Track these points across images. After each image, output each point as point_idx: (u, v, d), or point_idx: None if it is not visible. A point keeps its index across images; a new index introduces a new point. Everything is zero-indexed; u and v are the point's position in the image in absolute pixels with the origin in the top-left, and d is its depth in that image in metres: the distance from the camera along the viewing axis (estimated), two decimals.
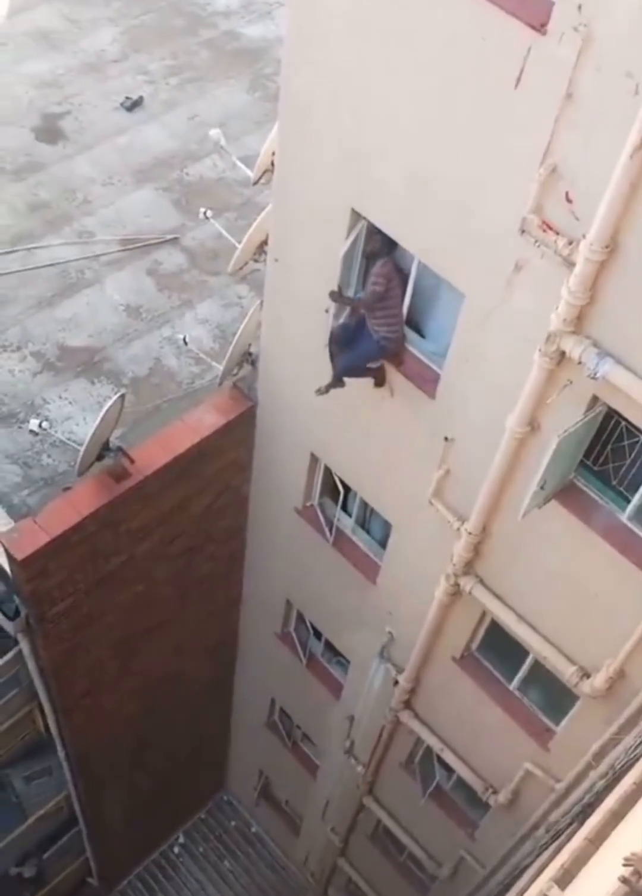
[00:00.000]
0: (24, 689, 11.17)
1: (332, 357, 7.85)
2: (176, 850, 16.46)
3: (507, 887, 9.28)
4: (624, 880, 4.74)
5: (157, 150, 12.16)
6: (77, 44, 13.25)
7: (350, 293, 7.83)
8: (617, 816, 6.21)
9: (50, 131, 12.27)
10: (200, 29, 13.75)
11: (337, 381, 7.90)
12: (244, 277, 10.61)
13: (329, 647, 11.65)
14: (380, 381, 7.80)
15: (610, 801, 6.54)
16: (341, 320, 7.83)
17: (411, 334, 7.66)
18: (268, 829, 16.56)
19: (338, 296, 7.59)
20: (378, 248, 7.14)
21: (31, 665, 10.42)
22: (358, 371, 7.76)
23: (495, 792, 9.61)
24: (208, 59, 13.32)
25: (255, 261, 9.10)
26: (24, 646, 10.09)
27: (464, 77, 5.72)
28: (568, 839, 7.25)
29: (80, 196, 11.70)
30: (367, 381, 7.83)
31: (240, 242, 9.08)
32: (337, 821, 13.29)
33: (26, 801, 13.25)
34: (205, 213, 9.60)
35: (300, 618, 11.77)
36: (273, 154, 7.95)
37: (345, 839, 13.44)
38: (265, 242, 8.68)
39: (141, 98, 12.51)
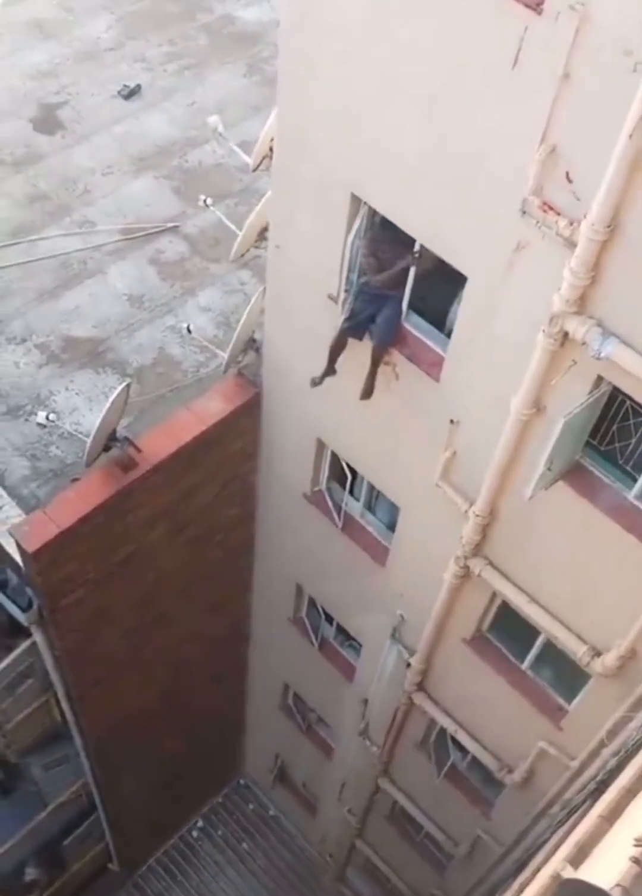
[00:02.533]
0: (39, 679, 11.24)
1: (352, 334, 7.75)
2: (195, 833, 16.60)
3: (524, 864, 9.34)
4: (635, 861, 4.77)
5: (156, 137, 12.09)
6: (72, 33, 13.16)
7: (354, 276, 7.79)
8: (631, 793, 6.25)
9: (48, 122, 12.22)
10: (197, 14, 13.64)
11: (329, 369, 7.89)
12: (246, 264, 10.57)
13: (341, 630, 11.69)
14: (367, 392, 7.82)
15: (624, 779, 6.58)
16: (358, 304, 7.73)
17: (415, 317, 7.63)
18: (285, 811, 16.69)
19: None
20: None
21: (46, 655, 10.48)
22: (393, 336, 7.67)
23: (510, 771, 9.65)
24: (205, 44, 13.22)
25: (257, 247, 9.07)
26: (38, 636, 10.15)
27: (461, 59, 5.66)
28: (583, 816, 7.29)
29: (79, 186, 11.66)
30: (368, 366, 7.79)
31: (240, 229, 9.05)
32: (353, 802, 13.38)
33: (45, 789, 13.38)
34: (205, 200, 9.56)
35: (311, 602, 11.80)
36: (271, 140, 7.91)
37: (362, 820, 13.54)
38: (266, 229, 8.64)
39: (138, 86, 12.43)
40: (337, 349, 7.90)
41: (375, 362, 7.74)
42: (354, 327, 7.71)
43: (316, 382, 8.06)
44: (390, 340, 7.63)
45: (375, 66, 6.22)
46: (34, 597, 9.52)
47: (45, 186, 11.64)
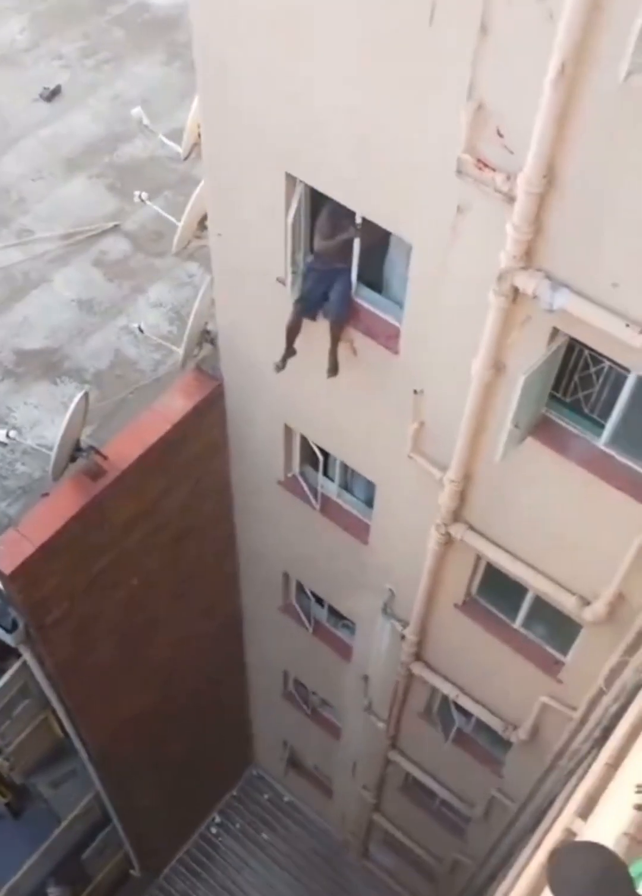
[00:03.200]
0: (35, 697, 11.18)
1: (306, 314, 7.62)
2: (213, 830, 16.63)
3: (541, 817, 9.37)
4: (639, 808, 4.75)
5: (83, 136, 11.80)
6: None
7: (300, 256, 7.63)
8: (631, 739, 6.25)
9: None
10: (108, 6, 13.28)
11: (289, 351, 7.76)
12: (191, 255, 10.36)
13: (333, 612, 11.63)
14: (333, 370, 7.70)
15: (625, 724, 6.59)
16: (308, 283, 7.59)
17: (367, 291, 7.49)
18: (300, 796, 16.72)
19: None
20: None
21: (38, 673, 10.40)
22: (348, 310, 7.55)
23: (515, 728, 9.66)
24: (121, 36, 12.90)
25: (198, 238, 8.88)
26: (28, 655, 10.06)
27: (378, 20, 5.48)
28: (590, 765, 7.30)
29: (12, 195, 11.39)
30: (326, 346, 7.66)
31: (180, 221, 8.86)
32: (366, 778, 13.40)
33: (56, 806, 13.34)
34: (140, 195, 9.35)
35: (300, 588, 11.73)
36: (199, 126, 7.70)
37: (378, 795, 13.57)
38: (206, 218, 8.46)
39: (58, 87, 12.11)
40: (293, 331, 7.78)
41: (335, 339, 7.62)
42: (307, 307, 7.59)
43: (279, 367, 7.92)
44: (345, 315, 7.51)
45: (291, 37, 6.03)
46: (18, 616, 9.40)
47: None
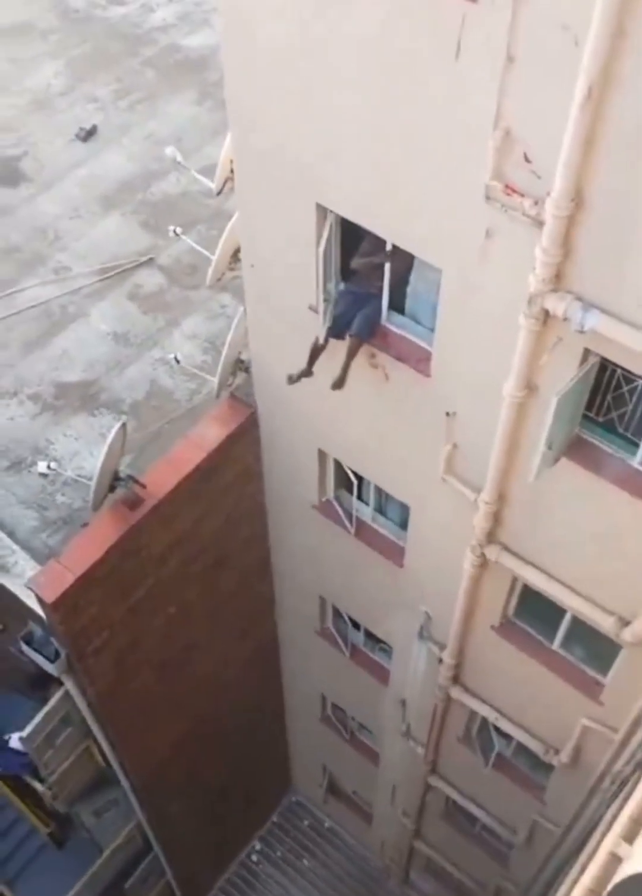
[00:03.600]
0: (76, 726, 11.25)
1: (335, 335, 7.76)
2: (254, 857, 16.56)
3: (585, 841, 9.28)
4: None
5: (118, 175, 12.12)
6: (22, 83, 13.21)
7: (331, 285, 7.78)
8: None
9: (10, 174, 12.27)
10: (140, 48, 13.69)
11: (308, 370, 7.87)
12: (224, 287, 10.57)
13: (369, 635, 11.64)
14: (339, 383, 7.80)
15: None
16: (340, 307, 7.73)
17: (398, 316, 7.61)
18: (340, 822, 16.63)
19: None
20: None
21: (80, 702, 10.48)
22: (371, 331, 7.69)
23: (556, 752, 9.58)
24: (153, 76, 13.27)
25: (232, 269, 9.06)
26: (70, 685, 10.16)
27: (405, 55, 5.63)
28: (633, 788, 7.24)
29: (50, 234, 11.70)
30: (358, 372, 7.77)
31: (214, 254, 9.05)
32: (406, 804, 13.32)
33: (98, 836, 13.37)
34: (174, 230, 9.57)
35: (336, 612, 11.77)
36: (232, 161, 7.90)
37: (418, 820, 13.48)
38: (239, 249, 8.64)
39: (94, 127, 12.48)
40: (317, 352, 7.90)
41: (351, 355, 7.72)
42: (337, 329, 7.71)
43: (292, 380, 8.04)
44: (366, 335, 7.60)
45: (320, 74, 6.20)
46: (60, 646, 9.53)
47: (17, 238, 11.69)
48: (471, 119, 5.46)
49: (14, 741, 11.36)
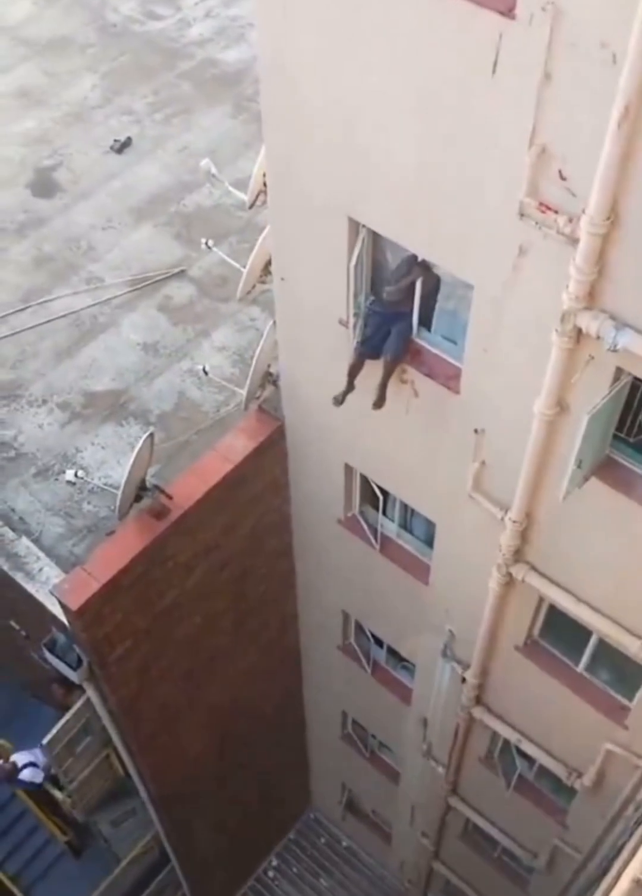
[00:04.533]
0: (97, 735, 11.26)
1: (368, 355, 7.76)
2: (270, 873, 16.47)
3: (607, 869, 9.13)
4: None
5: (152, 186, 12.24)
6: (59, 96, 13.39)
7: (362, 299, 7.78)
8: None
9: (45, 185, 12.43)
10: (177, 61, 13.83)
11: (349, 387, 7.86)
12: (254, 299, 10.62)
13: (392, 652, 11.57)
14: (379, 403, 7.80)
15: None
16: (370, 328, 7.73)
17: (428, 333, 7.59)
18: (358, 841, 16.50)
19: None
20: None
21: (101, 710, 10.50)
22: (405, 350, 7.69)
23: (579, 776, 9.45)
24: (189, 89, 13.39)
25: (262, 282, 9.10)
26: (91, 692, 10.18)
27: (441, 72, 5.63)
28: None
29: (83, 244, 11.82)
30: (389, 388, 7.76)
31: (245, 266, 9.09)
32: (426, 824, 13.19)
33: (116, 846, 13.38)
34: (206, 243, 9.63)
35: (359, 628, 11.71)
36: (264, 175, 7.94)
37: (437, 841, 13.34)
38: (270, 263, 8.67)
39: (129, 139, 12.61)
40: (355, 369, 7.89)
41: (387, 374, 7.71)
42: (369, 349, 7.70)
43: (338, 401, 8.01)
44: (401, 355, 7.60)
45: (354, 90, 6.22)
46: (82, 654, 9.55)
47: (50, 248, 11.81)
48: (506, 135, 5.45)
49: (25, 774, 11.63)
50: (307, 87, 6.57)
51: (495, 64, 5.15)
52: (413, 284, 7.23)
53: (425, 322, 7.52)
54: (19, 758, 11.71)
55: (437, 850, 13.62)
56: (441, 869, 14.01)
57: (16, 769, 11.68)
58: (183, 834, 13.29)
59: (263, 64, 6.86)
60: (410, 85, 5.86)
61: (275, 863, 16.60)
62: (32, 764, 11.67)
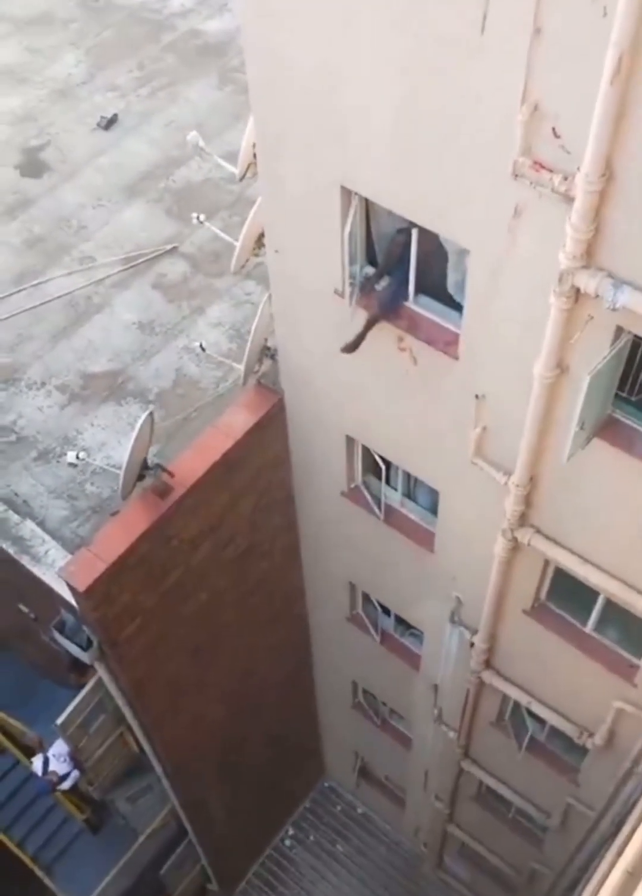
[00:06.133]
0: (110, 714, 11.35)
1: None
2: (287, 842, 16.67)
3: (620, 824, 9.21)
4: None
5: (140, 162, 12.10)
6: (43, 73, 13.21)
7: (356, 268, 7.70)
8: None
9: (33, 165, 12.30)
10: (161, 34, 13.63)
11: (363, 336, 7.72)
12: (249, 273, 10.53)
13: (400, 621, 11.62)
14: (352, 347, 7.72)
15: None
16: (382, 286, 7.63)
17: (425, 299, 7.52)
18: (373, 807, 16.67)
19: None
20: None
21: (113, 689, 10.57)
22: (394, 308, 7.61)
23: (590, 735, 9.51)
24: (174, 62, 13.21)
25: (256, 255, 9.00)
26: (103, 672, 10.23)
27: (429, 30, 5.52)
28: None
29: (73, 223, 11.72)
30: (385, 355, 7.70)
31: (237, 240, 9.00)
32: (439, 788, 13.31)
33: (133, 821, 13.52)
34: (198, 217, 9.52)
35: (366, 598, 11.74)
36: (254, 146, 7.83)
37: (451, 805, 13.47)
38: (263, 235, 8.58)
39: (115, 115, 12.46)
40: (371, 323, 7.74)
41: (368, 325, 7.64)
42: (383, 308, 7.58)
43: (348, 348, 7.87)
44: (388, 310, 7.52)
45: (341, 53, 6.11)
46: (92, 634, 9.59)
47: (40, 229, 11.71)
48: (498, 94, 5.36)
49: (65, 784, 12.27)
50: (292, 53, 6.46)
51: (484, 20, 5.05)
52: (407, 248, 7.14)
53: (423, 288, 7.45)
54: (58, 767, 12.20)
55: (451, 813, 13.75)
56: (455, 831, 14.16)
57: (60, 779, 12.21)
58: (199, 807, 13.42)
59: (247, 32, 6.74)
60: (398, 45, 5.76)
61: (291, 832, 16.79)
62: (70, 772, 12.20)
